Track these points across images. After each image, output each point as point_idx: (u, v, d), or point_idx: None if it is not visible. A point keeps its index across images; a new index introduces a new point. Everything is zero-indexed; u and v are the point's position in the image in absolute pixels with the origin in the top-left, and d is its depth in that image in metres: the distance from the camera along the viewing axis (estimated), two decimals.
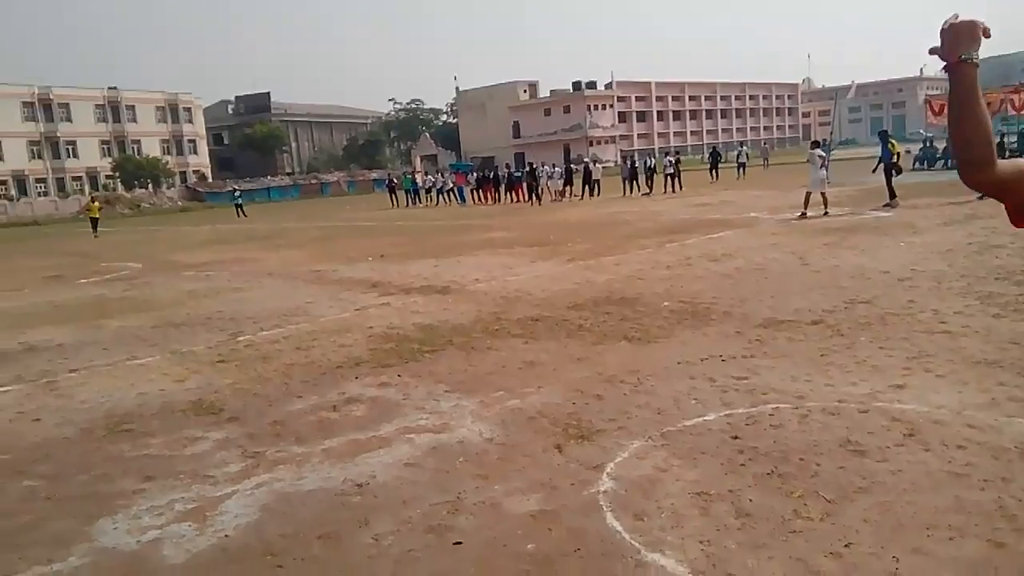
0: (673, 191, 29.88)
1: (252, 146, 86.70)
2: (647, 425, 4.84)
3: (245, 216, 38.72)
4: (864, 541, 3.26)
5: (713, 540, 3.38)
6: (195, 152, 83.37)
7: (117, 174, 67.95)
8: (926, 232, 12.57)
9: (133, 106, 77.93)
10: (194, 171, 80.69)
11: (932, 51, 1.65)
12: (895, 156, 17.35)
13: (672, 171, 31.00)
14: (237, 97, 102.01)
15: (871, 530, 3.35)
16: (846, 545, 3.24)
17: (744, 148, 39.07)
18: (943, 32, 1.62)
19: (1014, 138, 25.97)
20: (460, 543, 3.55)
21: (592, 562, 3.29)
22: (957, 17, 1.62)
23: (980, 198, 16.52)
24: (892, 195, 17.10)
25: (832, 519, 3.48)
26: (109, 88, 76.99)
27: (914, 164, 31.15)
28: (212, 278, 14.68)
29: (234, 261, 17.60)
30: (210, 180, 76.76)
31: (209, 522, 3.98)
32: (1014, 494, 3.52)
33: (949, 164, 30.07)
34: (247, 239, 24.52)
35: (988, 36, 1.59)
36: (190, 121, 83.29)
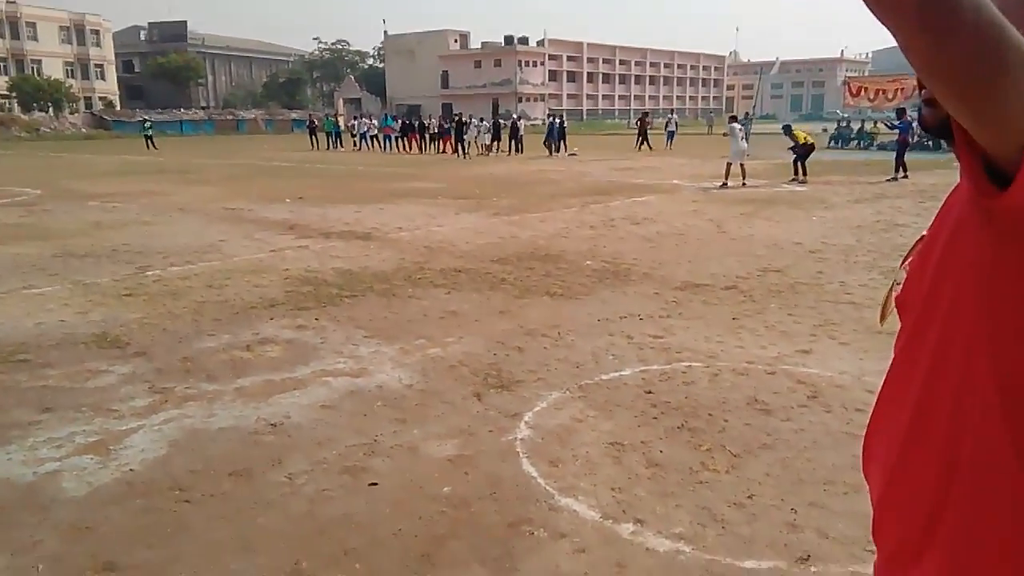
0: (553, 153, 30.37)
1: (165, 76, 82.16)
2: (565, 378, 4.92)
3: (155, 148, 36.80)
4: (766, 493, 3.42)
5: (624, 487, 3.48)
6: (102, 78, 78.32)
7: (13, 94, 63.28)
8: (837, 208, 13.10)
9: (34, 23, 72.34)
10: (100, 98, 75.82)
11: None
12: (804, 141, 17.78)
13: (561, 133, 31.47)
14: (151, 23, 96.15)
15: (773, 483, 3.51)
16: (749, 496, 3.39)
17: (673, 116, 39.21)
18: None
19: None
20: (376, 484, 3.54)
21: (507, 505, 3.34)
22: None
23: (892, 179, 17.37)
24: (803, 172, 17.67)
25: (737, 472, 3.63)
26: (8, 2, 71.21)
27: (829, 143, 32.32)
28: (119, 210, 13.95)
29: (143, 193, 16.76)
30: (118, 108, 72.34)
31: (113, 456, 3.83)
32: None
33: (862, 144, 31.39)
34: (157, 172, 23.38)
35: None
36: (97, 44, 78.01)
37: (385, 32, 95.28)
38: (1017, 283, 0.86)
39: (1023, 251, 0.85)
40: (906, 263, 1.11)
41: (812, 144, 17.96)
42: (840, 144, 32.36)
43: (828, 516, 3.21)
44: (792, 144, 17.79)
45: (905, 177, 17.53)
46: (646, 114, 37.61)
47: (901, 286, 1.10)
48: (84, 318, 6.40)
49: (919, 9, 0.72)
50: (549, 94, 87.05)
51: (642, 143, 32.75)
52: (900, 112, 20.61)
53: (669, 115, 40.24)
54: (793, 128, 18.21)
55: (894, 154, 18.74)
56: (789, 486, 3.48)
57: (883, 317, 1.21)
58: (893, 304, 1.10)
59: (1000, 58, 0.73)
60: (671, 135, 34.67)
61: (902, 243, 9.47)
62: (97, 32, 78.10)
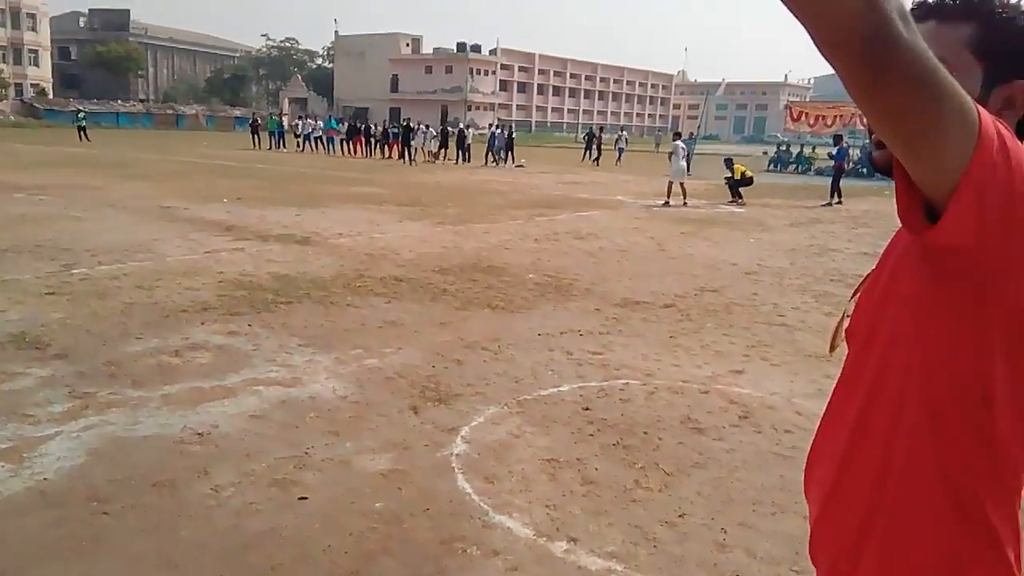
0: (500, 164, 30.69)
1: (103, 66, 79.57)
2: (504, 392, 4.90)
3: (88, 140, 35.55)
4: (697, 512, 3.46)
5: (559, 505, 3.48)
6: (36, 64, 75.32)
7: None
8: (774, 231, 13.46)
9: None
10: (32, 85, 72.87)
11: None
12: (741, 175, 18.28)
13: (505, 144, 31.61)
14: (91, 10, 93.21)
15: (704, 503, 3.56)
16: (680, 515, 3.43)
17: (623, 133, 39.74)
18: None
19: (858, 152, 28.10)
20: (306, 498, 3.45)
21: (441, 521, 3.29)
22: None
23: (827, 204, 17.94)
24: (739, 196, 18.11)
25: (669, 491, 3.67)
26: None
27: (768, 166, 33.22)
28: (46, 203, 13.41)
29: (73, 187, 16.15)
30: (51, 97, 69.68)
31: (26, 464, 3.65)
32: None
33: (800, 169, 32.33)
34: (89, 165, 22.57)
35: None
36: (33, 29, 75.02)
37: (336, 32, 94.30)
38: (945, 317, 0.93)
39: (950, 287, 0.91)
40: (855, 296, 1.17)
41: (751, 178, 18.46)
42: (779, 168, 33.29)
43: (756, 536, 3.26)
44: (728, 175, 18.29)
45: (839, 203, 18.14)
46: (601, 129, 38.23)
47: (850, 318, 1.14)
48: (2, 317, 6.10)
49: (863, 44, 0.76)
50: (499, 104, 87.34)
51: (595, 157, 33.15)
52: (837, 138, 21.34)
53: (619, 132, 40.79)
54: (734, 163, 18.68)
55: (830, 180, 19.37)
56: (719, 505, 3.53)
57: (832, 347, 1.28)
58: (843, 335, 1.16)
59: (934, 94, 0.80)
60: (621, 151, 35.12)
61: (833, 268, 9.78)
62: (33, 16, 75.15)
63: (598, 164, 32.30)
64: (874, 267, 1.12)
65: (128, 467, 3.67)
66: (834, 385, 1.14)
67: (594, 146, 34.38)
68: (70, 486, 3.47)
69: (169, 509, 3.31)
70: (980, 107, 0.83)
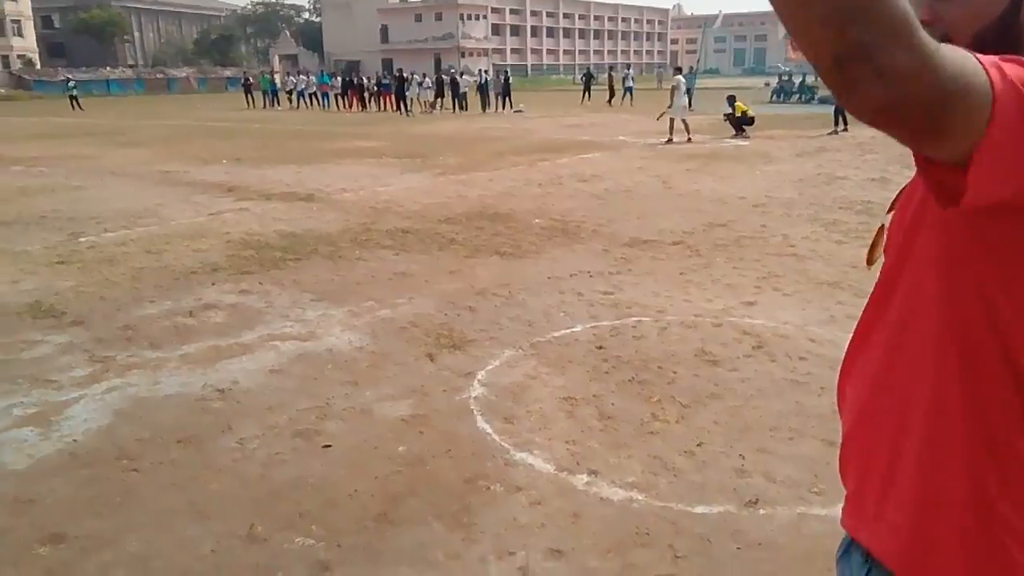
0: (499, 110, 30.58)
1: (88, 32, 78.24)
2: (517, 336, 4.93)
3: (81, 109, 35.19)
4: (715, 441, 3.51)
5: (578, 440, 3.53)
6: (20, 35, 74.05)
7: None
8: (779, 162, 13.32)
9: None
10: (18, 56, 71.78)
11: None
12: (742, 113, 18.20)
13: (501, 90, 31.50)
14: None
15: (721, 431, 3.60)
16: (698, 445, 3.48)
17: (630, 72, 39.01)
18: None
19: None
20: (330, 446, 3.52)
21: (463, 462, 3.35)
22: None
23: (832, 132, 17.73)
24: (742, 130, 18.00)
25: (686, 422, 3.71)
26: None
27: (771, 97, 32.73)
28: (46, 174, 13.35)
29: (71, 157, 16.05)
30: (38, 67, 68.75)
31: (54, 427, 3.72)
32: None
33: (804, 98, 31.80)
34: (85, 134, 22.39)
35: None
36: None
37: None
38: (979, 244, 0.91)
39: (983, 220, 0.88)
40: (892, 210, 1.14)
41: (752, 118, 18.27)
42: (782, 98, 32.79)
43: (774, 461, 3.31)
44: (728, 112, 18.14)
45: (845, 130, 17.87)
46: (611, 68, 37.81)
47: (888, 231, 1.13)
48: (15, 287, 6.14)
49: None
50: (493, 49, 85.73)
51: (609, 98, 32.75)
52: None
53: (625, 71, 40.02)
54: (736, 100, 18.48)
55: (834, 107, 19.07)
56: (737, 433, 3.58)
57: (871, 261, 1.25)
58: (882, 248, 1.13)
59: (963, 108, 0.75)
60: (629, 90, 34.36)
61: (842, 195, 9.71)
62: None
63: (611, 104, 31.85)
64: (911, 180, 1.07)
65: (153, 426, 3.74)
66: (867, 299, 1.11)
67: (592, 86, 33.91)
68: (99, 446, 3.54)
69: (197, 464, 3.38)
70: (986, 63, 0.77)
